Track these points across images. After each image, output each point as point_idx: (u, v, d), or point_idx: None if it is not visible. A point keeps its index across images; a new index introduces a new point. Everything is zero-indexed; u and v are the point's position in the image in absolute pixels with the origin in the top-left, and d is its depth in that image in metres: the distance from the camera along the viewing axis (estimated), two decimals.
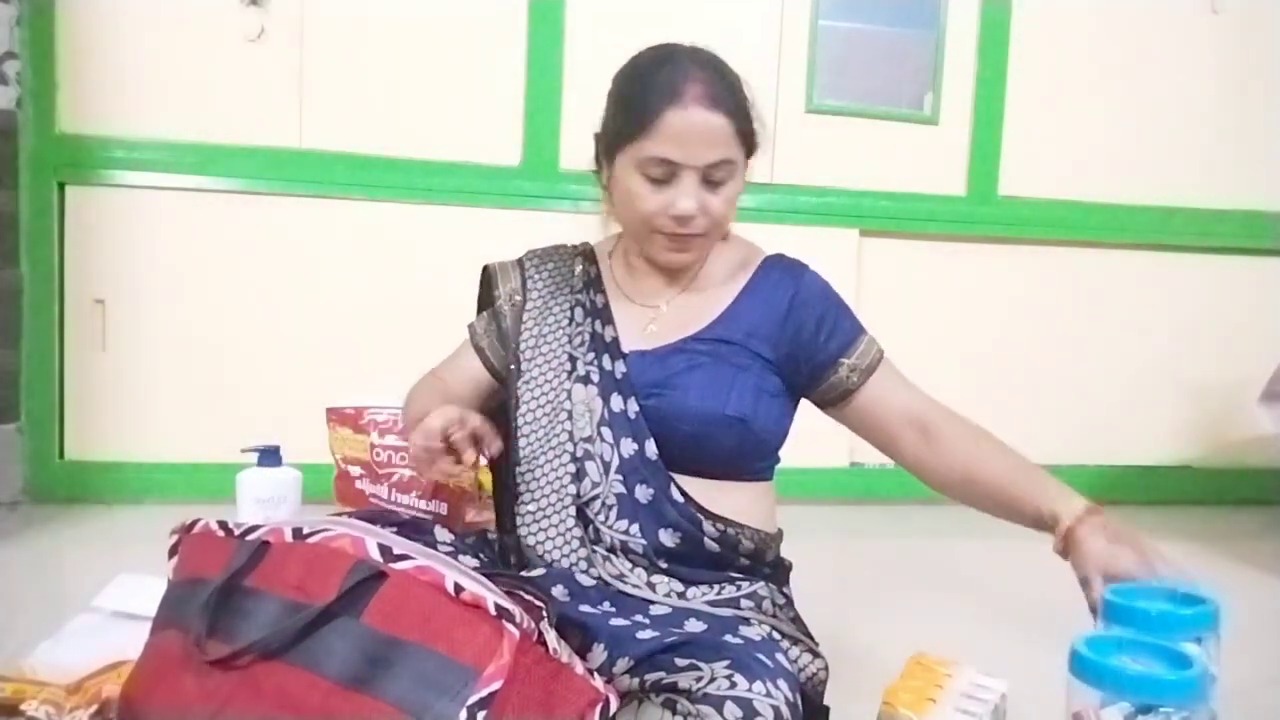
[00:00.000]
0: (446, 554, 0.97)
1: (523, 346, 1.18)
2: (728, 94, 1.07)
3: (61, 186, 2.19)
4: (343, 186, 2.29)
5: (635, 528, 1.06)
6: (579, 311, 1.18)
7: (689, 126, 1.04)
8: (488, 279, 1.28)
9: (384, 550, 0.80)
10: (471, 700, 0.72)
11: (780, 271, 1.18)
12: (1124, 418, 2.75)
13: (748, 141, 1.10)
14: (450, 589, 0.77)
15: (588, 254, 1.26)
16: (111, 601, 1.28)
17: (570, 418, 1.11)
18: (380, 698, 0.71)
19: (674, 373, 1.10)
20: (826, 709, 1.07)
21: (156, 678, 0.80)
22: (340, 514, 1.08)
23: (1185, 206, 2.71)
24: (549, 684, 0.77)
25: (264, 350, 2.27)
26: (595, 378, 1.12)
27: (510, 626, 0.76)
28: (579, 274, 1.22)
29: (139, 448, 2.25)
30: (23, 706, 1.02)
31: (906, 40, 2.59)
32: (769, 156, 2.51)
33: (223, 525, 0.87)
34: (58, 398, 2.21)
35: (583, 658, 0.89)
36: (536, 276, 1.24)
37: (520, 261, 1.27)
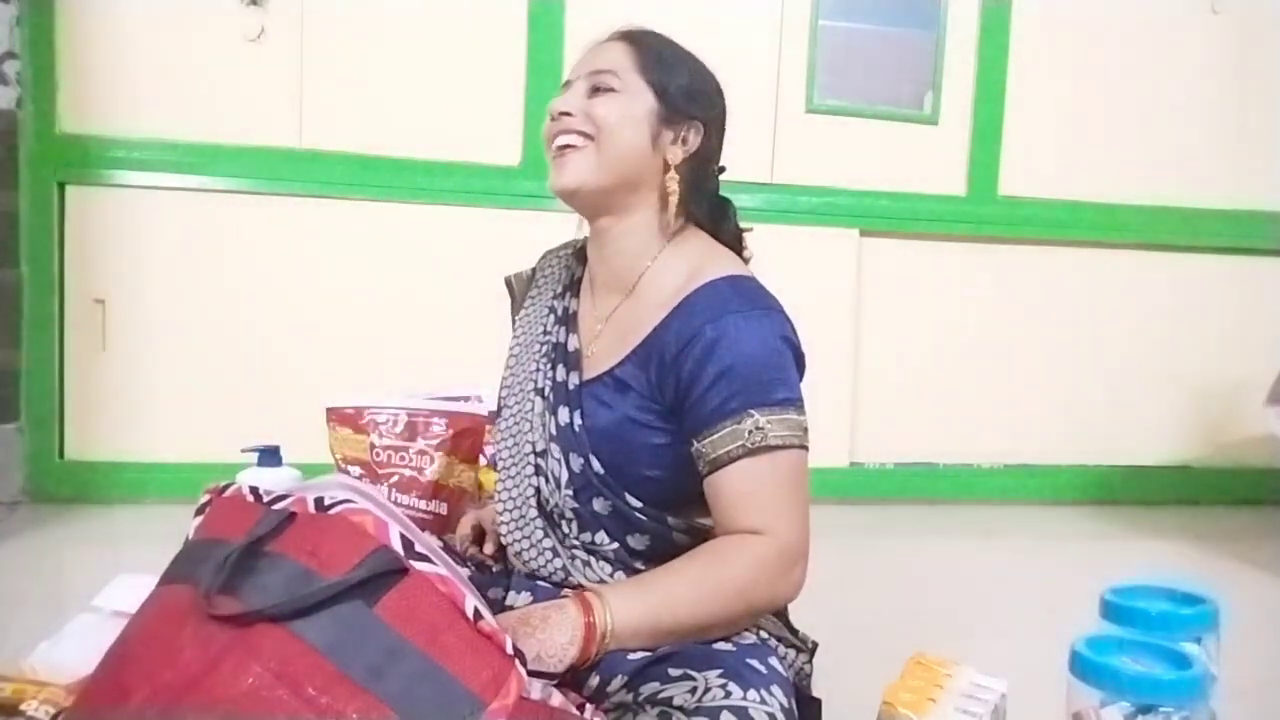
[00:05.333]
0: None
1: (509, 351, 1.17)
2: (647, 39, 1.08)
3: (61, 186, 2.19)
4: (342, 186, 2.29)
5: (601, 535, 1.05)
6: (551, 319, 1.15)
7: (591, 50, 1.10)
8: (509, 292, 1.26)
9: (405, 543, 0.77)
10: None
11: (702, 306, 0.99)
12: (1124, 418, 2.75)
13: (658, 88, 1.05)
14: (469, 613, 0.75)
15: (580, 252, 1.19)
16: (111, 601, 1.28)
17: (531, 428, 1.09)
18: (385, 700, 0.69)
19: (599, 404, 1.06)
20: (818, 701, 1.06)
21: (156, 624, 0.77)
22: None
23: (1184, 206, 2.71)
24: None
25: (264, 350, 2.27)
26: (547, 390, 1.10)
27: (520, 668, 0.74)
28: (563, 277, 1.19)
29: (139, 448, 2.25)
30: (23, 706, 1.02)
31: (906, 40, 2.59)
32: (769, 156, 2.51)
33: (253, 491, 0.86)
34: (58, 398, 2.21)
35: (577, 687, 0.88)
36: (539, 278, 1.22)
37: (538, 264, 1.25)
